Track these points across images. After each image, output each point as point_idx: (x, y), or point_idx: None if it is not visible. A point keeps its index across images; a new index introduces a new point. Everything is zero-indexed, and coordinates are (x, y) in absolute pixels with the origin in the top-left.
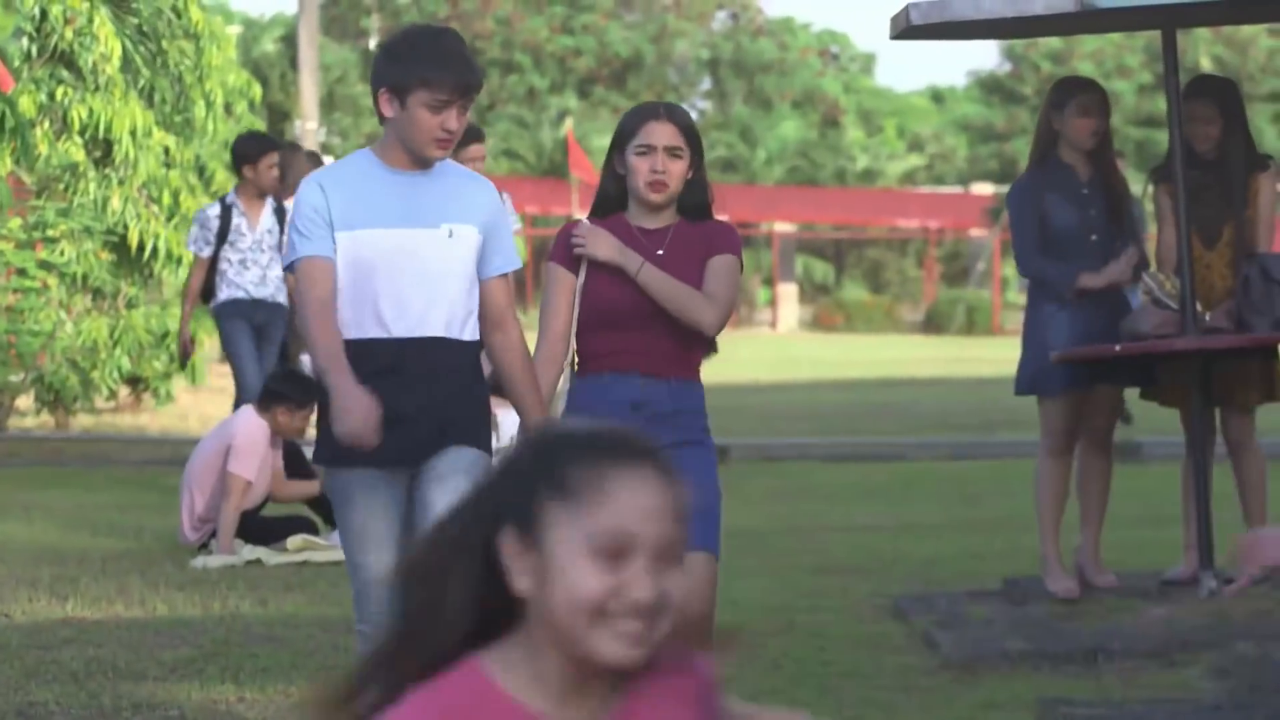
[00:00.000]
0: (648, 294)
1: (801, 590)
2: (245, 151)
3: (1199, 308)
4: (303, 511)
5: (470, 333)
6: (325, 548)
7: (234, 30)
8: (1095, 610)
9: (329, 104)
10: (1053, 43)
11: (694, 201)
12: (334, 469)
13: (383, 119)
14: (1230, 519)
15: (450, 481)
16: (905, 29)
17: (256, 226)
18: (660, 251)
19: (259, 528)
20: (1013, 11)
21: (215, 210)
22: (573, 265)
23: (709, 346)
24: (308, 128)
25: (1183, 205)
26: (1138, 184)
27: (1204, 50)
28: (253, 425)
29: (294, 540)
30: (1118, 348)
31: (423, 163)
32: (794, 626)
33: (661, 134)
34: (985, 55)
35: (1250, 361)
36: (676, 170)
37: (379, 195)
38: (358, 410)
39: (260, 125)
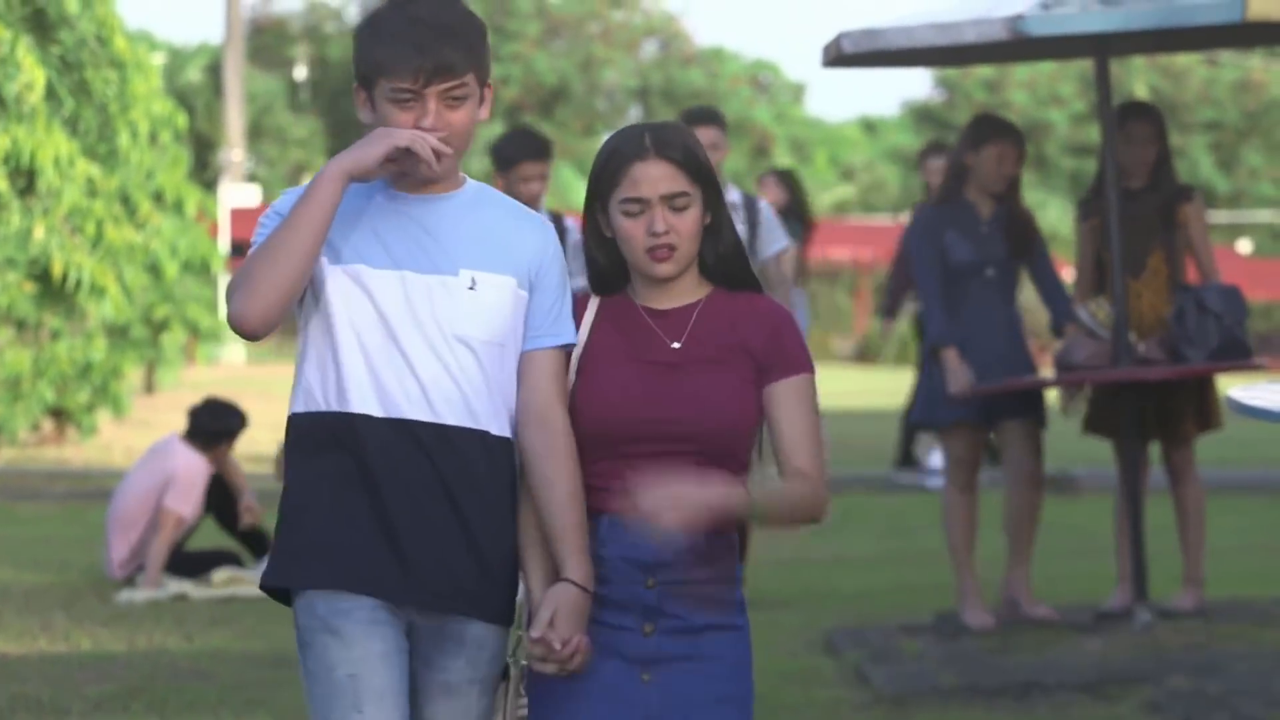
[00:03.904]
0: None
1: None
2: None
3: (1133, 338)
4: (230, 545)
5: (500, 426)
6: (252, 582)
7: (159, 59)
8: (1028, 644)
9: (255, 133)
10: (986, 72)
11: (724, 263)
12: (307, 599)
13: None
14: (1165, 550)
15: (461, 700)
16: (837, 57)
17: None
18: (677, 344)
19: (185, 562)
20: (945, 40)
21: None
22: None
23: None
24: (233, 157)
25: (1116, 235)
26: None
27: (1139, 79)
28: (194, 462)
29: (220, 574)
30: (1053, 379)
31: (440, 184)
32: None
33: (655, 179)
34: (918, 84)
35: (1186, 392)
36: (685, 225)
37: (379, 224)
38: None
39: (185, 155)
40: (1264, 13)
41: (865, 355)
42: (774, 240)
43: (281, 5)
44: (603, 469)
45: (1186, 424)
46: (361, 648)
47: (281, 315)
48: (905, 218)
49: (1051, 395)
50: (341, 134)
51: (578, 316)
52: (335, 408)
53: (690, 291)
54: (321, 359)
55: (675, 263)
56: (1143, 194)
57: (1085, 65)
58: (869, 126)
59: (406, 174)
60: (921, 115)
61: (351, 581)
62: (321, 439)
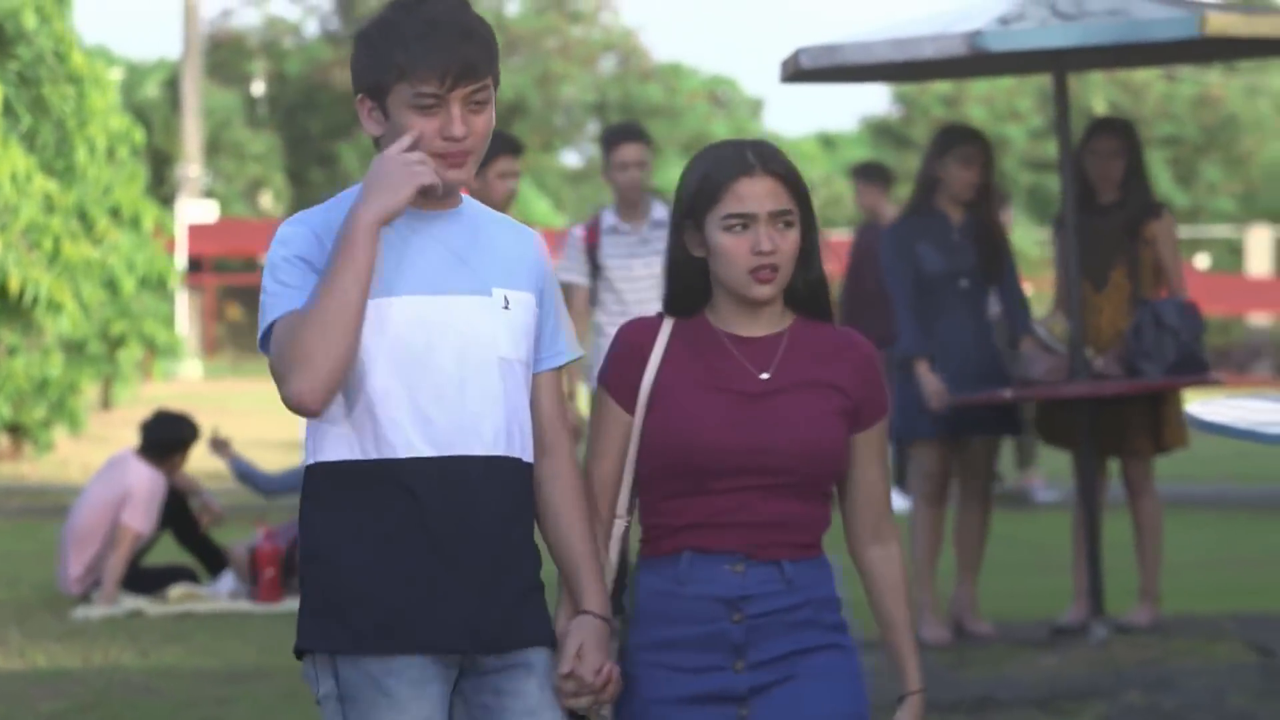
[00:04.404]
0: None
1: None
2: None
3: (1089, 352)
4: (186, 561)
5: (529, 452)
6: (207, 598)
7: (117, 74)
8: (984, 659)
9: (213, 148)
10: (944, 87)
11: (811, 290)
12: (353, 658)
13: (374, 141)
14: (1121, 565)
15: (545, 716)
16: (795, 73)
17: None
18: (766, 375)
19: (141, 578)
20: (903, 56)
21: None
22: (628, 391)
23: (831, 502)
24: (191, 173)
25: (1073, 249)
26: (1029, 229)
27: (1097, 94)
28: (150, 477)
29: (176, 591)
30: (1008, 394)
31: (442, 197)
32: None
33: (760, 195)
34: (876, 100)
35: (1145, 408)
36: (788, 245)
37: (403, 248)
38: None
39: (143, 171)
40: (1221, 28)
41: None
42: None
43: (239, 20)
44: (681, 505)
45: (1144, 439)
46: (412, 711)
47: (340, 386)
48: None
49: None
50: (299, 149)
51: (646, 338)
52: (375, 455)
53: (777, 319)
54: (352, 401)
55: (776, 285)
56: (1111, 209)
57: (1044, 80)
58: (827, 142)
59: (424, 195)
60: (880, 131)
61: (406, 643)
62: (360, 488)
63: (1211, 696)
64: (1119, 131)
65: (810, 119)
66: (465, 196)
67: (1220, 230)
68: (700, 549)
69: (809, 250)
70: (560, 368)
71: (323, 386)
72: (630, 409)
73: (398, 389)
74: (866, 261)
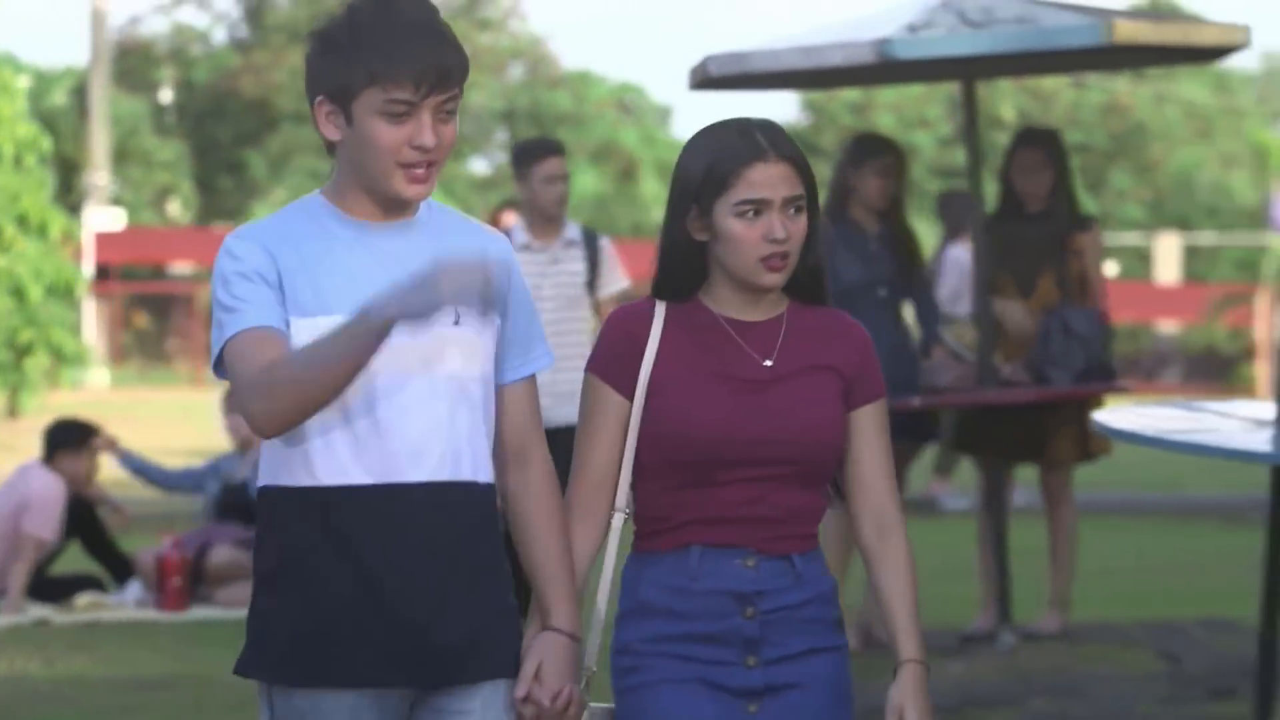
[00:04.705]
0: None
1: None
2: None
3: (998, 360)
4: (92, 569)
5: (487, 472)
6: (114, 607)
7: (24, 82)
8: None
9: (120, 156)
10: (852, 94)
11: (810, 275)
12: (285, 689)
13: (329, 146)
14: (1030, 573)
15: None
16: (704, 80)
17: None
18: (769, 362)
19: (47, 586)
20: (811, 63)
21: None
22: (625, 378)
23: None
24: (98, 181)
25: (982, 256)
26: (935, 237)
27: (1006, 102)
28: (49, 483)
29: (82, 599)
30: (917, 401)
31: (397, 208)
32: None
33: (775, 180)
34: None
35: (1062, 416)
36: (800, 231)
37: (347, 263)
38: (448, 271)
39: (50, 179)
40: (1129, 36)
41: None
42: (615, 280)
43: (147, 28)
44: (686, 497)
45: (1067, 447)
46: None
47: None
48: None
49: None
50: (207, 157)
51: (641, 325)
52: (309, 482)
53: (775, 303)
54: (309, 427)
55: (785, 273)
56: (1039, 218)
57: (952, 88)
58: None
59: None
60: None
61: (333, 678)
62: (295, 515)
63: (1120, 704)
64: (1045, 143)
65: None
66: (433, 204)
67: (1128, 238)
68: (710, 544)
69: (812, 235)
70: (532, 377)
71: (282, 424)
72: (629, 395)
73: (333, 415)
74: None
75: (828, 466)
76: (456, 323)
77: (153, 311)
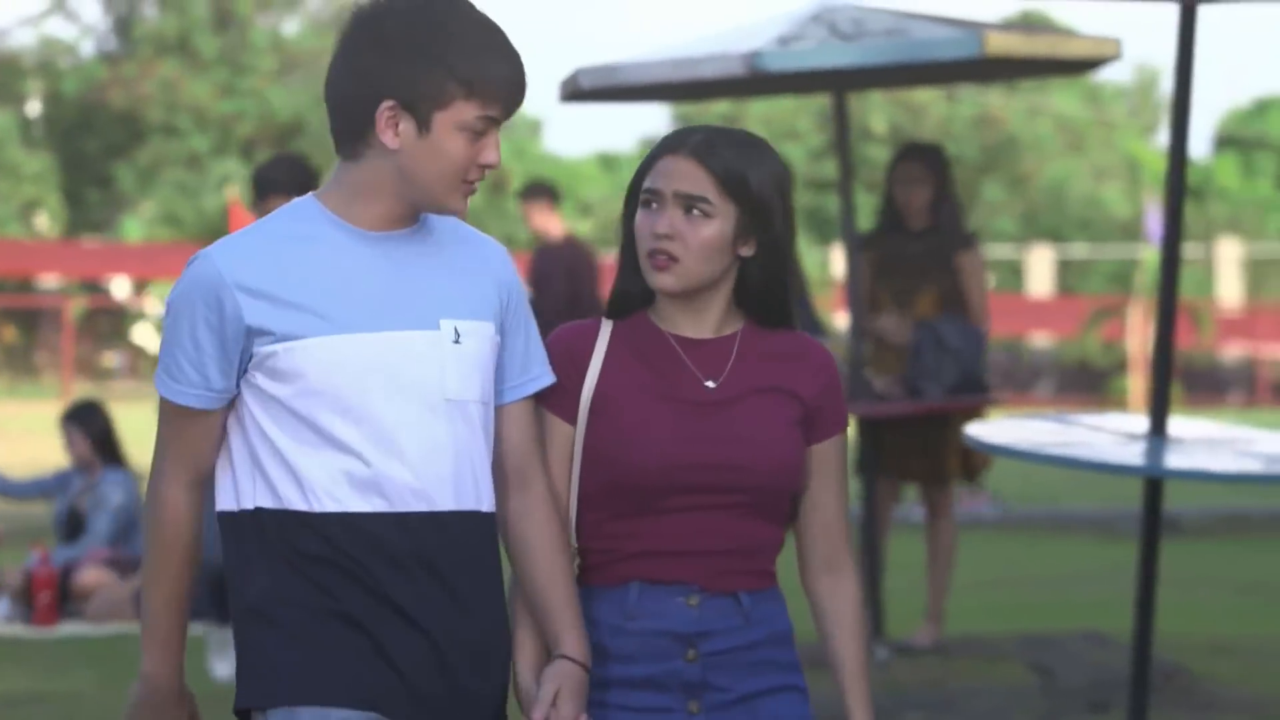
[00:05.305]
0: (711, 451)
1: None
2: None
3: (873, 375)
4: None
5: (490, 500)
6: None
7: None
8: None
9: None
10: (723, 107)
11: (761, 296)
12: (288, 709)
13: (352, 150)
14: (902, 587)
15: None
16: (575, 93)
17: None
18: (711, 384)
19: None
20: (682, 76)
21: None
22: (566, 400)
23: (786, 527)
24: None
25: (855, 270)
26: (809, 250)
27: (878, 114)
28: None
29: None
30: None
31: (406, 219)
32: None
33: (671, 173)
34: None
35: (940, 430)
36: (696, 237)
37: (350, 276)
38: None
39: None
40: (1002, 48)
41: None
42: None
43: (15, 40)
44: (627, 528)
45: (952, 461)
46: None
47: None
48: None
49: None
50: (75, 170)
51: (584, 343)
52: (306, 506)
53: (724, 321)
54: (279, 447)
55: (675, 276)
56: (923, 234)
57: (823, 100)
58: (606, 162)
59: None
60: None
61: (343, 696)
62: (299, 540)
63: (993, 717)
64: (925, 158)
65: (590, 139)
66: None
67: (1001, 250)
68: (650, 579)
69: (760, 257)
70: (532, 397)
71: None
72: (571, 419)
73: (325, 442)
74: (543, 285)
75: (782, 497)
76: (456, 341)
77: (20, 325)
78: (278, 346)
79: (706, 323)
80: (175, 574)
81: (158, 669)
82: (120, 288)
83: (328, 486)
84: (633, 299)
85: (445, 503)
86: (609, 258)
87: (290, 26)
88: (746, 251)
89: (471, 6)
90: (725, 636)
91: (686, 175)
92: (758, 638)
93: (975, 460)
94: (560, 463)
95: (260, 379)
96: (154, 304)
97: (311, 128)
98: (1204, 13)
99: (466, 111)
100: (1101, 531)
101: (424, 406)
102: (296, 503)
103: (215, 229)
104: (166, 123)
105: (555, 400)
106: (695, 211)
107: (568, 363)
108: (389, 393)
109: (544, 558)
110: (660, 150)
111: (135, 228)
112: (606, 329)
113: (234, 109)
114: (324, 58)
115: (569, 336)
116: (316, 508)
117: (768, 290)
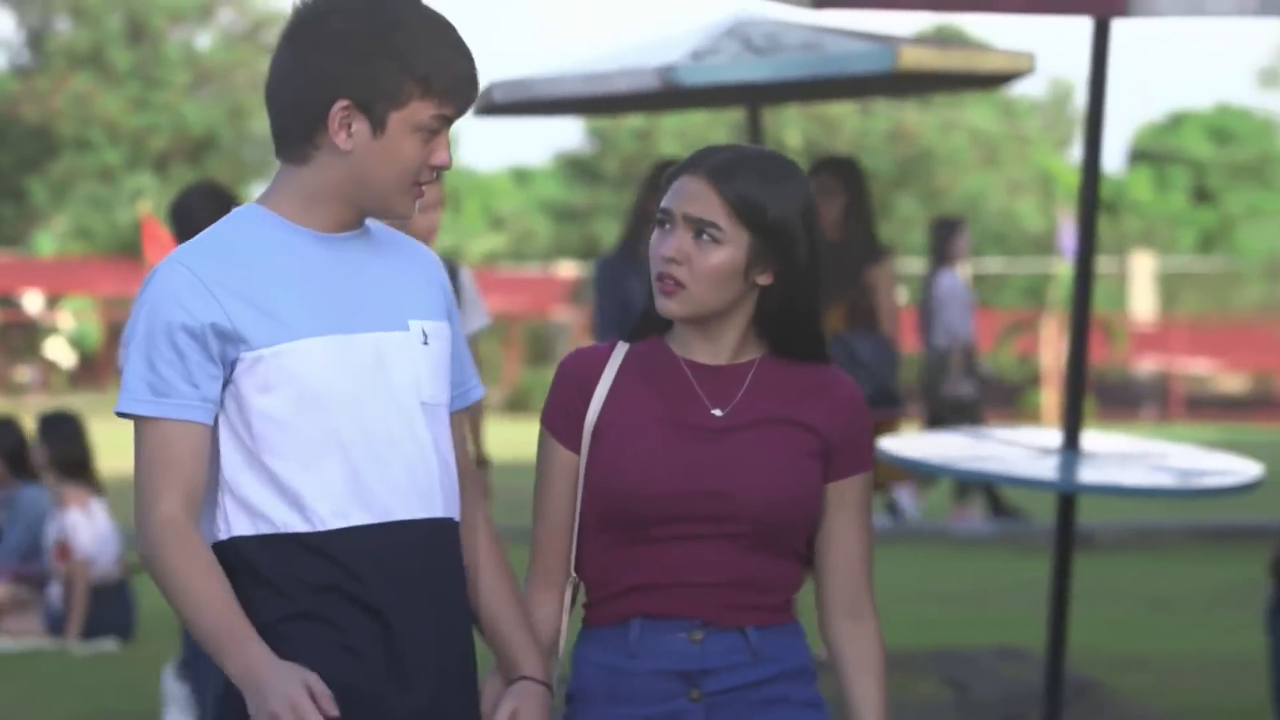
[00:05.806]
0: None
1: None
2: None
3: None
4: None
5: (457, 509)
6: None
7: None
8: None
9: None
10: (636, 121)
11: (783, 327)
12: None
13: (299, 153)
14: (810, 602)
15: None
16: (488, 107)
17: None
18: (718, 411)
19: None
20: (595, 90)
21: None
22: (571, 427)
23: (808, 559)
24: None
25: None
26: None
27: (792, 128)
28: None
29: None
30: None
31: (355, 222)
32: None
33: (685, 195)
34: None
35: None
36: (704, 264)
37: (319, 279)
38: (283, 686)
39: None
40: (915, 63)
41: (515, 405)
42: (476, 318)
43: None
44: (627, 557)
45: None
46: None
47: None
48: (557, 268)
49: None
50: None
51: (593, 369)
52: (308, 526)
53: (741, 348)
54: (268, 465)
55: (679, 302)
56: (833, 249)
57: (738, 114)
58: (520, 176)
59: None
60: (572, 165)
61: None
62: (301, 563)
63: None
64: (838, 171)
65: (503, 153)
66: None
67: (915, 265)
68: (651, 615)
69: (778, 288)
70: (467, 409)
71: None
72: (575, 447)
73: (319, 450)
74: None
75: (789, 531)
76: (425, 342)
77: None
78: (264, 351)
79: (722, 349)
80: (210, 583)
81: (250, 664)
82: (33, 302)
83: (332, 503)
84: (654, 321)
85: (435, 510)
86: (522, 272)
87: (203, 40)
88: (764, 280)
89: (419, 2)
90: (730, 674)
91: (698, 198)
92: (767, 675)
93: (886, 471)
94: (561, 492)
95: (244, 387)
96: (66, 318)
97: (224, 141)
98: (1118, 27)
99: (422, 111)
100: (1014, 546)
101: (408, 410)
102: (296, 524)
103: (128, 243)
104: (79, 136)
105: (560, 428)
106: (705, 236)
107: (574, 389)
108: (375, 397)
109: (493, 575)
110: (680, 168)
111: (47, 242)
112: (620, 353)
113: (147, 123)
114: (236, 71)
115: (579, 361)
116: (330, 525)
117: (788, 321)
